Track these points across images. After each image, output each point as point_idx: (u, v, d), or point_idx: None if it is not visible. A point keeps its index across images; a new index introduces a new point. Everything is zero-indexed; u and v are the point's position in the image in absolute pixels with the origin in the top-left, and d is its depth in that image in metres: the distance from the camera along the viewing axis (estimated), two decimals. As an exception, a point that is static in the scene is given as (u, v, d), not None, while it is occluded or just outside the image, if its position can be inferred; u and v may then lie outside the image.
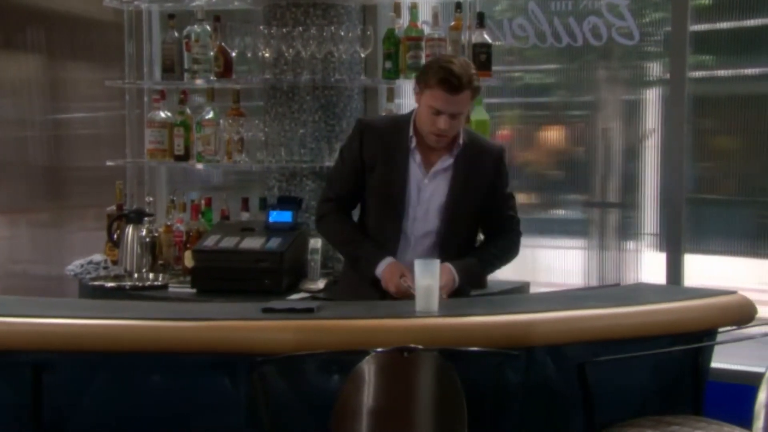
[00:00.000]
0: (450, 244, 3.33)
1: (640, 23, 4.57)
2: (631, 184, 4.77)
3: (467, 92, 3.16)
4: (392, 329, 2.66)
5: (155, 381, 2.75)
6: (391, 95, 4.34)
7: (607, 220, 4.91)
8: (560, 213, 5.14)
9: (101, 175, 4.66)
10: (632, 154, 4.80)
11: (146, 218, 4.24)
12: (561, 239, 5.04)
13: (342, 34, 4.19)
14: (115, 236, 4.23)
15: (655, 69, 4.70)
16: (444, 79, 3.14)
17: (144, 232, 4.18)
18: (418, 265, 2.81)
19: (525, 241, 3.50)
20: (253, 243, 3.96)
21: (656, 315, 2.93)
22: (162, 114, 4.52)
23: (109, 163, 4.61)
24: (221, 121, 4.38)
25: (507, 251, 3.39)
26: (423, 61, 4.20)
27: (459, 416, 2.39)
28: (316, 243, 4.05)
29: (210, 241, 4.03)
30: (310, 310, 2.79)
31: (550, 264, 4.96)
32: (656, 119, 4.65)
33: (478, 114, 4.20)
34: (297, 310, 2.79)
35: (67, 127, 5.33)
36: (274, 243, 3.95)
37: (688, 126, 4.41)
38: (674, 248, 4.42)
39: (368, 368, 2.38)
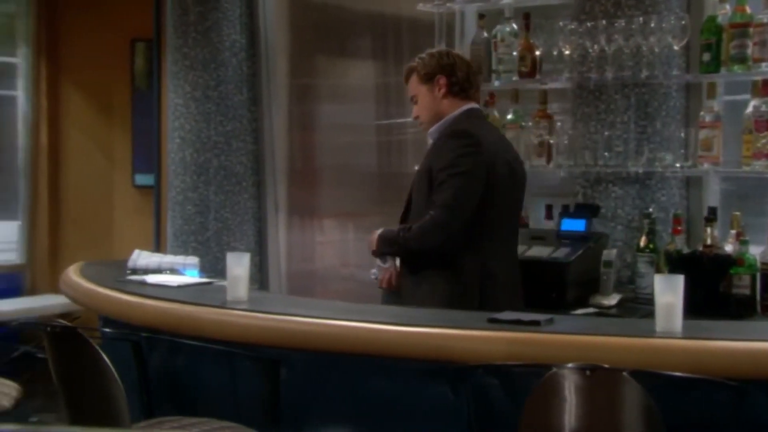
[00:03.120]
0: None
1: None
2: None
3: (411, 78, 3.75)
4: (612, 347, 2.59)
5: (379, 384, 2.93)
6: (713, 91, 4.12)
7: None
8: None
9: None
10: None
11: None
12: None
13: (653, 25, 4.07)
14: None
15: None
16: None
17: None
18: (659, 280, 2.71)
19: None
20: (539, 252, 4.00)
21: None
22: (469, 117, 4.69)
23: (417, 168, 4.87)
24: (522, 124, 4.46)
25: (412, 235, 3.55)
26: (749, 51, 3.95)
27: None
28: (609, 255, 3.99)
29: (498, 249, 4.13)
30: (536, 323, 2.81)
31: None
32: None
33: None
34: (523, 323, 2.82)
35: (392, 132, 5.69)
36: (561, 253, 3.95)
37: None
38: None
39: (564, 383, 2.37)
